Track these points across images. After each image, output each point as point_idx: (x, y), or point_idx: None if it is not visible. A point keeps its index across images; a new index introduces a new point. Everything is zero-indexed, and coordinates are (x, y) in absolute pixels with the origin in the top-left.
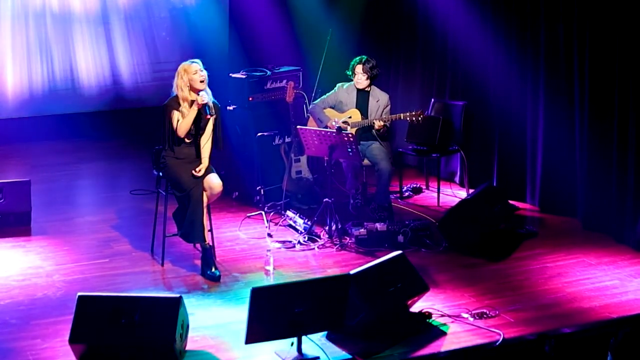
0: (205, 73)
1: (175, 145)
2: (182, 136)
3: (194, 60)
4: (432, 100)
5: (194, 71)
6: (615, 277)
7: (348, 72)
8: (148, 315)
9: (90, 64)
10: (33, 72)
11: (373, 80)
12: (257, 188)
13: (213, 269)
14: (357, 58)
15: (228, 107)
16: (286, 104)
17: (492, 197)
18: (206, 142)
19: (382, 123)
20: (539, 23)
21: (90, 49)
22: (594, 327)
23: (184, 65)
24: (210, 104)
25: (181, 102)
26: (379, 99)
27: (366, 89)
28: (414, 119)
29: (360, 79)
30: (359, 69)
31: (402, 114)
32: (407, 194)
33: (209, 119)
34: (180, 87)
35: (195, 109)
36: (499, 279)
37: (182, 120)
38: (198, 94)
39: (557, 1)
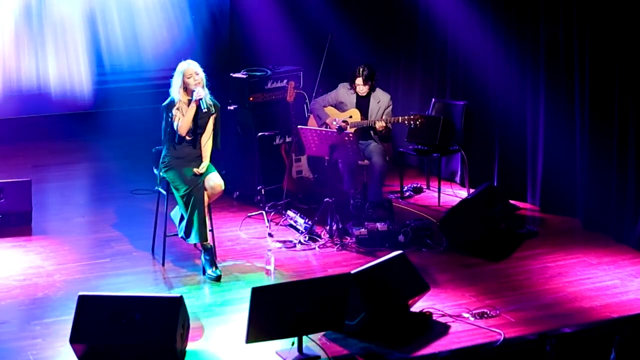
0: (201, 76)
1: (177, 143)
2: (184, 134)
3: (190, 62)
4: (433, 100)
5: (188, 75)
6: (615, 277)
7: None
8: (149, 315)
9: (90, 64)
10: (33, 72)
11: (375, 85)
12: (258, 188)
13: (214, 269)
14: (354, 70)
15: (229, 107)
16: (287, 104)
17: (493, 197)
18: (207, 141)
19: (383, 124)
20: (539, 23)
21: (91, 49)
22: (594, 326)
23: (181, 65)
24: (208, 100)
25: (178, 101)
26: (380, 100)
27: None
28: (412, 122)
29: (363, 89)
30: (359, 81)
31: (400, 117)
32: (407, 193)
33: (205, 112)
34: (175, 87)
35: (193, 106)
36: (499, 279)
37: (182, 119)
38: (193, 92)
39: (557, 1)
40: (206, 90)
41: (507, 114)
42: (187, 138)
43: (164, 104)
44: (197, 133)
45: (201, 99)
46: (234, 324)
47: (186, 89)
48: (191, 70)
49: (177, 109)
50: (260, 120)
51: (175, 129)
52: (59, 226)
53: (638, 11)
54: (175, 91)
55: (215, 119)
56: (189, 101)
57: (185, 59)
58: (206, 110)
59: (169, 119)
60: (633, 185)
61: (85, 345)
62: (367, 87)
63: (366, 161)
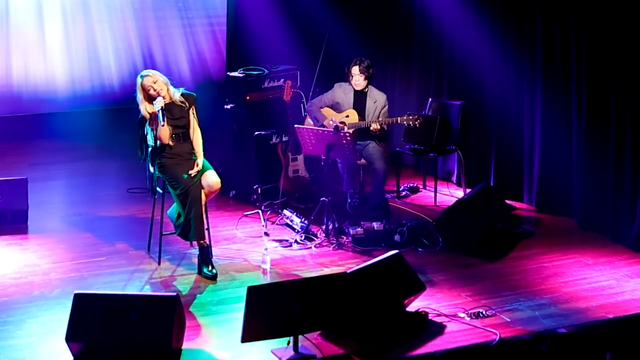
0: (161, 83)
1: (163, 151)
2: (167, 142)
3: (144, 73)
4: (430, 99)
5: (147, 88)
6: (611, 277)
7: (344, 78)
8: (144, 313)
9: (87, 62)
10: (31, 71)
11: (370, 79)
12: (254, 187)
13: (210, 268)
14: (350, 61)
15: (225, 106)
16: (284, 103)
17: (489, 197)
18: (195, 135)
19: (378, 126)
20: (536, 23)
21: (88, 48)
22: (590, 327)
23: (137, 81)
24: (178, 97)
25: (147, 114)
26: (376, 99)
27: (364, 89)
28: (410, 123)
29: (359, 80)
30: (355, 70)
31: (399, 118)
32: (404, 193)
33: (163, 125)
34: (140, 103)
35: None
36: (495, 279)
37: (155, 130)
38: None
39: (554, 1)
40: (172, 89)
41: (504, 114)
42: (171, 143)
43: (140, 116)
44: (182, 132)
45: (159, 110)
46: (230, 323)
47: (148, 97)
48: (148, 82)
49: (149, 123)
50: (256, 119)
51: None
52: (55, 224)
53: (635, 11)
54: (142, 108)
55: (195, 109)
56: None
57: (163, 67)
58: (163, 124)
59: (145, 133)
60: (629, 186)
61: (81, 344)
62: (363, 77)
63: (363, 160)
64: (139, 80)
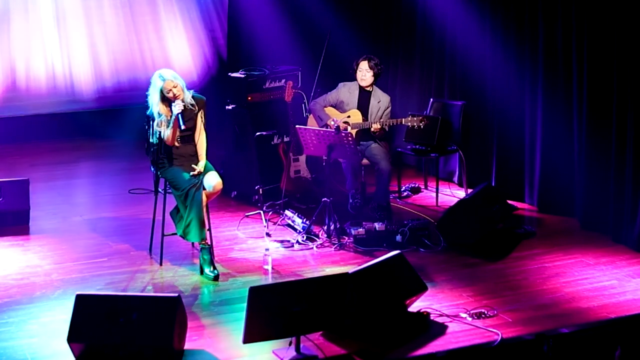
0: (180, 85)
1: (167, 151)
2: (172, 144)
3: (164, 75)
4: (431, 100)
5: (167, 91)
6: (613, 277)
7: (347, 77)
8: (146, 314)
9: (88, 63)
10: (32, 72)
11: (377, 78)
12: (256, 187)
13: (211, 268)
14: (361, 57)
15: (227, 107)
16: (285, 104)
17: (491, 197)
18: (200, 138)
19: (379, 126)
20: (538, 23)
21: (89, 48)
22: (592, 327)
23: (157, 82)
24: (190, 100)
25: (158, 114)
26: (380, 100)
27: (368, 89)
28: (415, 124)
29: (366, 76)
30: (364, 64)
31: (403, 119)
32: (405, 193)
33: (184, 128)
34: (154, 104)
35: (174, 121)
36: (497, 279)
37: (166, 133)
38: (172, 103)
39: (556, 1)
40: (186, 92)
41: (505, 114)
42: (177, 144)
43: (148, 112)
44: (188, 135)
45: (179, 114)
46: (232, 323)
47: (164, 98)
48: (169, 85)
49: (158, 124)
50: (258, 120)
51: (164, 138)
52: (57, 225)
53: (637, 10)
54: (155, 109)
55: (204, 113)
56: (169, 110)
57: (164, 67)
58: (184, 127)
59: (152, 131)
60: (630, 185)
61: (83, 345)
62: (371, 73)
63: (366, 161)
64: (159, 81)
